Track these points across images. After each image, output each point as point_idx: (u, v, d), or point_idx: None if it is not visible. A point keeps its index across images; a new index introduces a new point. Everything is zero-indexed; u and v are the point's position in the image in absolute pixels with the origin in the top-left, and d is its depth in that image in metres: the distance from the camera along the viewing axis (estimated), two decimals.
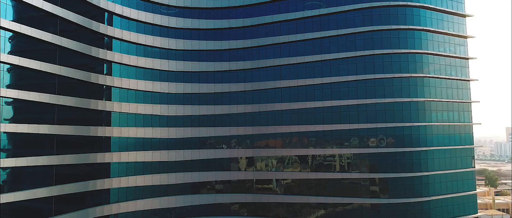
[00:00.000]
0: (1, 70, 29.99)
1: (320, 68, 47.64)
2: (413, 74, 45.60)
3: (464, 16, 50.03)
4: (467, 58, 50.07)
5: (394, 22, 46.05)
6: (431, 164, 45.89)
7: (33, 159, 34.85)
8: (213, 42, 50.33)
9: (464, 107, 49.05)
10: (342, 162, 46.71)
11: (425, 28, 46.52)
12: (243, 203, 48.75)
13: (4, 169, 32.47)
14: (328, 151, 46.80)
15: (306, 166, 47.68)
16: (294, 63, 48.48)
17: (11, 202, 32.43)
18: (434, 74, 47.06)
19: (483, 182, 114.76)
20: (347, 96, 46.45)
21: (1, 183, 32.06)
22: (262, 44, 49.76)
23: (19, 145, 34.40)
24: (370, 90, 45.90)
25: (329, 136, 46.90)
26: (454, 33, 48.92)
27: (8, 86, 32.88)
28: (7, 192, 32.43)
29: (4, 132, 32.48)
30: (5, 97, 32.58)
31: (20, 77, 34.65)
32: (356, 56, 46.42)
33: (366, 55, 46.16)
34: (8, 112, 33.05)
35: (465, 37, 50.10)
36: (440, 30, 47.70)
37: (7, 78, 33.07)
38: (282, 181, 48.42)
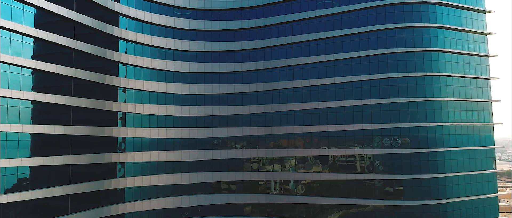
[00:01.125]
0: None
1: (333, 68, 47.09)
2: (429, 73, 44.34)
3: (484, 12, 48.22)
4: (487, 56, 48.22)
5: (409, 19, 44.93)
6: (449, 165, 44.48)
7: (50, 158, 36.18)
8: (225, 43, 50.66)
9: (484, 107, 47.27)
10: (356, 163, 45.99)
11: (441, 25, 45.13)
12: (255, 203, 48.82)
13: (22, 168, 33.85)
14: (341, 152, 46.18)
15: (319, 166, 47.23)
16: (306, 63, 48.14)
17: (29, 200, 33.80)
18: (452, 72, 45.59)
19: (510, 184, 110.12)
20: (360, 96, 45.70)
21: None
22: (275, 45, 49.68)
23: (36, 145, 35.73)
24: (383, 89, 44.98)
25: (342, 136, 46.29)
26: (473, 30, 47.23)
27: (25, 89, 34.24)
28: (26, 190, 33.81)
29: (22, 133, 33.88)
30: (22, 99, 33.98)
31: (38, 80, 35.98)
32: (369, 55, 45.59)
33: (379, 54, 45.26)
34: (25, 113, 34.42)
35: (485, 34, 48.28)
36: (458, 27, 46.15)
37: (25, 81, 34.45)
38: (295, 182, 48.17)
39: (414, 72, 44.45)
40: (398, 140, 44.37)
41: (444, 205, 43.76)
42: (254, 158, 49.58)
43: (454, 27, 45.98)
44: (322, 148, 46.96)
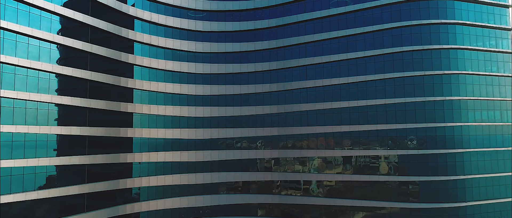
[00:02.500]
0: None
1: (346, 67, 46.35)
2: (446, 71, 42.84)
3: (507, 6, 46.03)
4: (511, 53, 46.00)
5: (425, 16, 43.57)
6: (468, 167, 42.80)
7: (66, 158, 37.58)
8: (239, 44, 50.88)
9: (506, 106, 45.12)
10: (370, 164, 45.06)
11: (460, 21, 43.48)
12: (268, 204, 48.76)
13: (39, 167, 35.33)
14: (355, 153, 45.38)
15: (332, 167, 46.61)
16: (319, 63, 47.63)
17: (47, 198, 35.26)
18: (471, 70, 43.83)
19: None
20: (374, 96, 44.74)
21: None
22: (287, 45, 49.43)
23: (53, 145, 37.16)
24: (398, 89, 43.83)
25: (356, 137, 45.47)
26: (495, 25, 45.20)
27: (43, 92, 35.71)
28: (44, 188, 35.28)
29: (39, 134, 35.38)
30: (39, 102, 35.46)
31: (55, 83, 37.39)
32: (384, 54, 44.55)
33: (394, 52, 44.15)
34: (43, 115, 35.89)
35: (508, 29, 46.07)
36: (478, 23, 44.33)
37: (42, 84, 35.93)
38: (308, 183, 47.74)
39: (431, 71, 43.08)
40: (414, 141, 43.12)
41: (464, 208, 42.14)
42: (267, 158, 49.51)
43: (474, 23, 44.20)
44: (335, 149, 46.28)
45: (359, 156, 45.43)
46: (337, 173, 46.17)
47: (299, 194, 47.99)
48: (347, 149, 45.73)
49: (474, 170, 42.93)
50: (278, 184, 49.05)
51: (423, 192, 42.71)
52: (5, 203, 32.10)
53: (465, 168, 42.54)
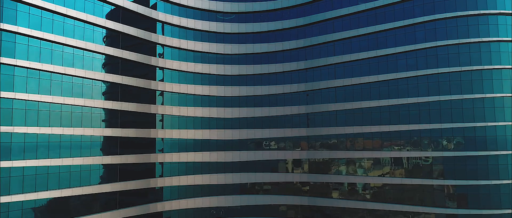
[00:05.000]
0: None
1: (376, 65, 44.41)
2: (486, 67, 39.43)
3: None
4: None
5: (462, 7, 40.45)
6: None
7: (99, 158, 40.01)
8: (266, 45, 50.82)
9: None
10: (402, 166, 42.74)
11: (501, 11, 39.75)
12: (297, 205, 48.12)
13: (74, 166, 37.98)
14: (386, 154, 43.30)
15: (363, 169, 44.89)
16: (348, 61, 46.12)
17: (80, 195, 37.83)
18: None
19: None
20: (406, 95, 42.39)
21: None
22: (315, 43, 48.46)
23: (87, 145, 39.72)
24: (433, 86, 41.14)
25: (386, 137, 43.40)
26: None
27: (77, 96, 38.34)
28: (78, 186, 37.87)
29: (73, 135, 38.04)
30: (73, 105, 38.10)
31: (88, 88, 39.96)
32: (416, 49, 42.06)
33: (427, 48, 41.51)
34: (77, 118, 38.52)
35: None
36: None
37: (76, 88, 38.58)
38: (338, 185, 46.39)
39: (469, 66, 39.90)
40: (450, 142, 40.20)
41: (508, 216, 38.45)
42: (296, 159, 48.89)
43: None
44: (365, 150, 44.52)
45: (390, 157, 43.26)
46: (367, 176, 44.38)
47: (328, 196, 46.77)
48: (377, 150, 43.76)
49: None
50: (306, 185, 48.23)
51: (461, 197, 39.68)
52: (41, 198, 34.93)
53: (509, 172, 38.81)
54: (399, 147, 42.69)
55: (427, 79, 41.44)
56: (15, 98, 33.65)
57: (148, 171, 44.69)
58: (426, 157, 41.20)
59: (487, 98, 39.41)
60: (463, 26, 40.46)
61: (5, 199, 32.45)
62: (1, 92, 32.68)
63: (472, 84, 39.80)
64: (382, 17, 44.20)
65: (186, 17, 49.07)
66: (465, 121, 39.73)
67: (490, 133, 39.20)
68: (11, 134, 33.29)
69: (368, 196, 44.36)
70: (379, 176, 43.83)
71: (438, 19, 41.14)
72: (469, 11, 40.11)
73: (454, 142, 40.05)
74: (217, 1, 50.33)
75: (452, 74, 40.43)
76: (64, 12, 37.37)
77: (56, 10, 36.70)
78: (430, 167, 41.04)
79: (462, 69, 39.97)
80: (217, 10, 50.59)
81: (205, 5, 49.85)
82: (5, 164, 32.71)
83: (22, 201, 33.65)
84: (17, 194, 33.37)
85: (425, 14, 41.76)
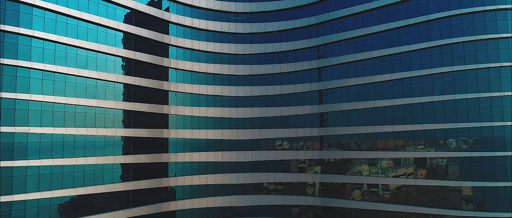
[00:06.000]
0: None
1: (390, 63, 43.48)
2: (504, 64, 37.92)
3: None
4: None
5: (479, 2, 39.07)
6: None
7: (112, 157, 40.90)
8: (278, 44, 50.64)
9: None
10: (416, 167, 41.67)
11: None
12: (310, 206, 47.72)
13: (88, 166, 38.97)
14: (399, 155, 42.32)
15: (376, 169, 44.04)
16: (360, 60, 45.37)
17: (94, 193, 38.79)
18: None
19: None
20: (420, 93, 41.32)
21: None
22: (327, 42, 47.92)
23: (100, 145, 40.67)
24: (448, 85, 39.91)
25: (400, 137, 42.43)
26: None
27: (90, 97, 39.34)
28: (92, 185, 38.84)
29: (88, 135, 39.04)
30: (87, 106, 39.10)
31: (101, 89, 40.90)
32: (431, 47, 40.93)
33: (443, 45, 40.31)
34: (91, 118, 39.50)
35: None
36: None
37: (90, 90, 39.58)
38: (351, 185, 45.70)
39: (486, 64, 38.49)
40: (466, 142, 38.90)
41: None
42: (308, 159, 48.49)
43: None
44: (378, 150, 43.66)
45: (404, 158, 42.24)
46: (380, 176, 43.51)
47: (341, 197, 46.15)
48: (391, 150, 42.81)
49: None
50: (319, 185, 47.76)
51: (477, 199, 38.32)
52: (56, 196, 36.02)
53: None
54: (413, 147, 41.64)
55: (442, 78, 40.26)
56: (31, 100, 34.81)
57: (161, 170, 45.35)
58: (441, 158, 40.02)
59: (505, 96, 37.90)
60: (480, 22, 39.07)
61: (21, 197, 33.65)
62: (18, 94, 33.90)
63: (489, 82, 38.38)
64: (395, 14, 43.24)
65: (198, 18, 49.49)
66: (482, 121, 38.35)
67: (509, 133, 37.65)
68: (27, 134, 34.49)
69: (382, 197, 43.49)
70: (393, 177, 42.90)
71: (453, 15, 39.91)
72: (487, 6, 38.69)
73: (470, 142, 38.72)
74: (229, 2, 50.53)
75: (468, 72, 39.11)
76: (78, 16, 38.38)
77: (70, 14, 37.75)
78: (445, 167, 39.84)
79: (479, 67, 38.60)
80: (229, 10, 50.79)
81: (217, 6, 50.14)
82: (22, 163, 33.91)
83: (38, 199, 34.80)
84: (33, 192, 34.52)
85: (440, 10, 40.57)
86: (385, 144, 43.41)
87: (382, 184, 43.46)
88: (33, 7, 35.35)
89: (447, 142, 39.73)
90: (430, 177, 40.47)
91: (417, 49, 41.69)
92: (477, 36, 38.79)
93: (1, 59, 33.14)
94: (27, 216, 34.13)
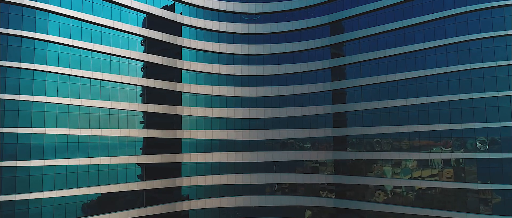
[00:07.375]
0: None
1: (404, 61, 42.35)
2: None
3: None
4: None
5: None
6: None
7: (125, 157, 41.87)
8: (291, 44, 50.34)
9: None
10: (432, 168, 40.36)
11: None
12: (323, 207, 47.15)
13: (102, 165, 40.07)
14: (414, 155, 41.12)
15: (389, 171, 42.98)
16: (374, 59, 44.43)
17: (108, 192, 39.86)
18: None
19: None
20: (436, 93, 40.01)
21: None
22: (340, 41, 47.21)
23: (114, 146, 41.74)
24: (465, 83, 38.44)
25: (415, 138, 41.23)
26: None
27: (104, 99, 40.43)
28: (106, 184, 39.92)
29: (101, 136, 40.15)
30: (101, 107, 40.22)
31: (115, 91, 41.94)
32: (446, 44, 39.56)
33: (459, 42, 38.88)
34: (105, 119, 40.61)
35: None
36: None
37: (104, 92, 40.69)
38: (364, 187, 44.81)
39: (505, 61, 36.81)
40: (484, 143, 37.33)
41: None
42: (321, 160, 47.92)
43: None
44: (393, 151, 42.56)
45: (420, 159, 41.01)
46: (394, 178, 42.41)
47: (354, 198, 45.34)
48: (405, 151, 41.69)
49: None
50: (332, 186, 47.10)
51: (497, 201, 36.68)
52: (71, 195, 37.26)
53: None
54: (428, 148, 40.37)
55: (458, 76, 38.82)
56: (47, 102, 36.17)
57: (173, 170, 46.04)
58: (457, 159, 38.58)
59: None
60: (498, 18, 37.40)
61: (38, 195, 35.02)
62: (34, 96, 35.31)
63: (509, 80, 36.65)
64: (410, 12, 42.06)
65: (211, 19, 49.91)
66: (501, 120, 36.69)
67: None
68: (43, 135, 35.86)
69: (396, 199, 42.41)
70: (408, 178, 41.74)
71: (470, 11, 38.41)
72: (506, 1, 36.96)
73: (488, 143, 37.13)
74: (242, 3, 50.68)
75: (486, 70, 37.53)
76: (92, 20, 39.55)
77: (84, 18, 38.95)
78: (462, 169, 38.38)
79: (498, 64, 36.96)
80: (242, 11, 50.94)
81: (230, 7, 50.39)
82: (38, 163, 35.29)
83: (54, 197, 36.09)
84: (49, 190, 35.85)
85: (456, 6, 39.15)
86: (400, 144, 42.30)
87: (397, 186, 42.36)
88: (49, 13, 36.69)
89: (464, 142, 38.25)
90: (446, 179, 39.09)
91: (432, 47, 40.41)
92: (495, 32, 37.16)
93: (20, 63, 34.60)
94: (44, 214, 35.48)
